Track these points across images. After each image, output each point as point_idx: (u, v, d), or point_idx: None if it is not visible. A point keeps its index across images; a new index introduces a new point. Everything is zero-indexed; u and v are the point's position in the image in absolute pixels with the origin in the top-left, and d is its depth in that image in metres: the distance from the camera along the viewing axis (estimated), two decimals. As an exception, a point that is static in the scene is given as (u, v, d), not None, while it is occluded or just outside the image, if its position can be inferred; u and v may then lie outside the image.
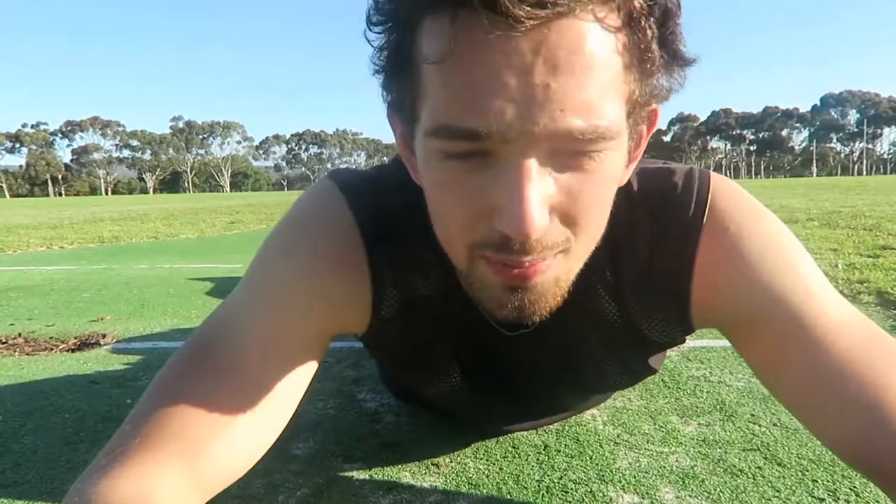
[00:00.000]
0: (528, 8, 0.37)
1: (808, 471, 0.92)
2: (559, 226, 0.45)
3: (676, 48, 0.45)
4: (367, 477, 0.94)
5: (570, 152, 0.43)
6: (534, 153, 0.42)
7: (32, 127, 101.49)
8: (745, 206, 0.61)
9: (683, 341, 0.70)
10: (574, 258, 0.49)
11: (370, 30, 0.46)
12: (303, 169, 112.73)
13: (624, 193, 0.57)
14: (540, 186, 0.42)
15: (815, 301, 0.57)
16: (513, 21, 0.37)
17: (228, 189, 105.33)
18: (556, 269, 0.48)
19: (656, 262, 0.61)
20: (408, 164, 0.54)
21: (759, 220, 0.60)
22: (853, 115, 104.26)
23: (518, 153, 0.42)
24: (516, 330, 0.65)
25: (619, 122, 0.43)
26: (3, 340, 1.86)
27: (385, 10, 0.45)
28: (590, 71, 0.40)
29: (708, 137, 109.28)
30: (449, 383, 0.76)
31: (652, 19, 0.42)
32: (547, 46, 0.39)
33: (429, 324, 0.67)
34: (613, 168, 0.46)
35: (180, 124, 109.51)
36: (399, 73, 0.47)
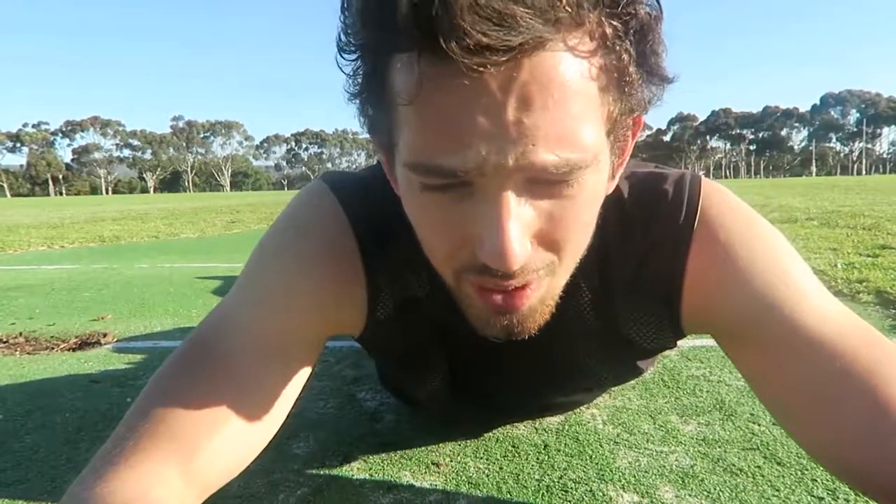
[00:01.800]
0: (496, 46, 0.36)
1: (807, 470, 0.92)
2: (542, 251, 0.45)
3: (655, 64, 0.44)
4: (367, 476, 0.95)
5: (547, 181, 0.42)
6: (511, 184, 0.41)
7: (33, 126, 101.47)
8: (736, 212, 0.60)
9: (675, 346, 0.70)
10: (559, 276, 0.49)
11: (342, 56, 0.45)
12: (303, 168, 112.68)
13: (614, 199, 0.57)
14: (519, 216, 0.42)
15: (809, 307, 0.56)
16: (480, 61, 0.36)
17: (229, 188, 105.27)
18: (541, 291, 0.48)
19: (647, 269, 0.60)
20: (390, 177, 0.53)
21: (750, 226, 0.60)
22: (853, 115, 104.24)
23: (495, 186, 0.41)
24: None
25: (596, 147, 0.42)
26: (4, 340, 1.86)
27: (355, 41, 0.44)
28: (563, 103, 0.39)
29: (707, 137, 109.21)
30: (440, 382, 0.76)
31: (628, 39, 0.41)
32: (518, 82, 0.38)
33: (422, 324, 0.67)
34: (594, 189, 0.46)
35: (181, 124, 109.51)
36: (373, 103, 0.46)
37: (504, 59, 0.36)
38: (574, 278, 0.52)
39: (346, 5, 0.44)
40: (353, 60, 0.45)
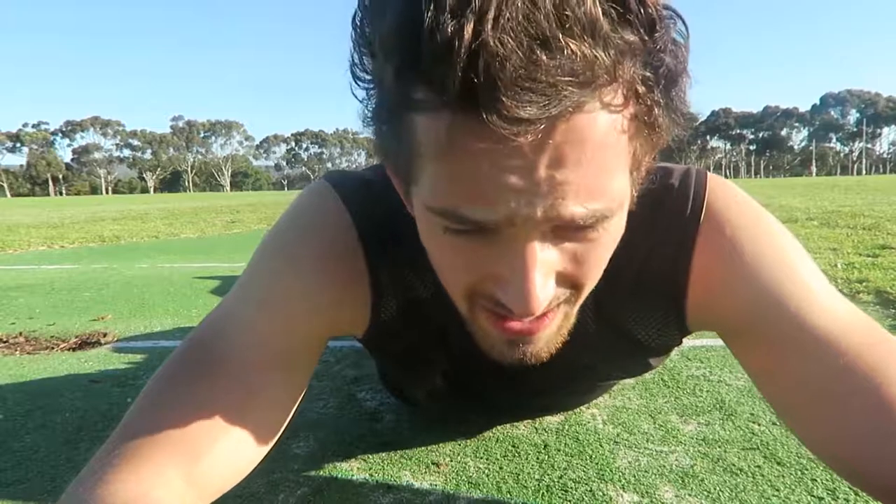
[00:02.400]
0: (533, 111, 0.34)
1: (807, 470, 0.92)
2: (562, 287, 0.46)
3: (682, 108, 0.43)
4: (367, 476, 0.95)
5: (573, 229, 0.42)
6: (537, 233, 0.41)
7: (33, 126, 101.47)
8: (742, 207, 0.60)
9: (680, 343, 0.69)
10: (574, 306, 0.50)
11: (356, 83, 0.43)
12: (303, 168, 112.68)
13: None
14: (544, 261, 0.42)
15: (815, 304, 0.55)
16: (519, 130, 0.35)
17: (229, 188, 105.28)
18: (558, 320, 0.49)
19: (651, 264, 0.60)
20: (399, 190, 0.51)
21: (756, 221, 0.59)
22: (853, 115, 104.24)
23: (522, 235, 0.41)
24: None
25: (622, 194, 0.42)
26: (4, 339, 1.86)
27: (374, 74, 0.41)
28: (594, 159, 0.39)
29: (707, 137, 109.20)
30: (440, 383, 0.76)
31: (658, 88, 0.40)
32: (552, 144, 0.37)
33: (426, 325, 0.67)
34: (617, 229, 0.46)
35: (181, 123, 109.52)
36: (391, 140, 0.43)
37: (542, 126, 0.36)
38: None
39: (361, 25, 0.41)
40: (370, 89, 0.43)
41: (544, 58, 0.34)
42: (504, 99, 0.34)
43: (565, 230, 0.42)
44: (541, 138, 0.37)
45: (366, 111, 0.44)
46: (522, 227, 0.40)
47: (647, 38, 0.37)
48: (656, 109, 0.41)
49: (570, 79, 0.35)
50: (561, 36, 0.34)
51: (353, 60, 0.42)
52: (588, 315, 0.64)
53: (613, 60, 0.36)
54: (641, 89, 0.39)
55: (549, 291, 0.43)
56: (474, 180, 0.39)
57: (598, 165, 0.39)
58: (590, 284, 0.47)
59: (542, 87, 0.34)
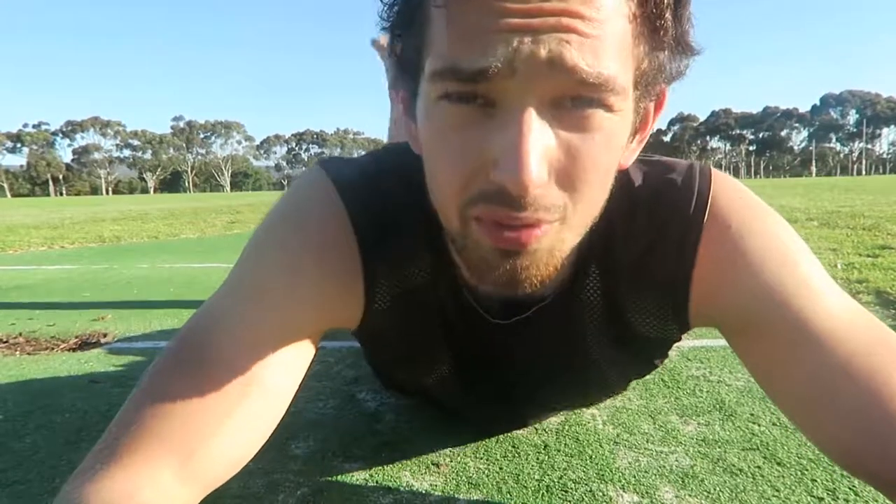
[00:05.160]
0: None
1: (807, 470, 0.92)
2: (556, 188, 0.44)
3: (686, 28, 0.45)
4: (367, 477, 0.95)
5: (572, 102, 0.42)
6: (536, 97, 0.41)
7: (33, 127, 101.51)
8: (747, 203, 0.60)
9: (679, 339, 0.69)
10: (570, 228, 0.48)
11: None
12: (303, 169, 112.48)
13: (623, 187, 0.56)
14: (540, 137, 0.42)
15: (819, 301, 0.55)
16: None
17: (229, 189, 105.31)
18: (551, 238, 0.47)
19: (654, 257, 0.60)
20: (408, 133, 0.53)
21: (761, 218, 0.59)
22: (852, 116, 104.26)
23: (520, 97, 0.41)
24: (508, 318, 0.65)
25: (624, 81, 0.43)
26: (4, 340, 1.86)
27: None
28: (599, 24, 0.41)
29: (707, 137, 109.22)
30: (440, 375, 0.75)
31: None
32: None
33: (422, 314, 0.66)
34: (616, 134, 0.46)
35: (181, 124, 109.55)
36: (407, 25, 0.47)
37: None
38: (583, 258, 0.52)
39: None
40: None
41: None
42: None
43: (563, 110, 0.42)
44: None
45: (386, 13, 0.48)
46: (522, 79, 0.41)
47: None
48: (663, 15, 0.43)
49: None
50: None
51: None
52: (594, 294, 0.63)
53: None
54: None
55: (542, 173, 0.42)
56: (478, 25, 0.41)
57: (602, 30, 0.41)
58: (583, 196, 0.46)
59: None
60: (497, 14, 0.40)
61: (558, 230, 0.47)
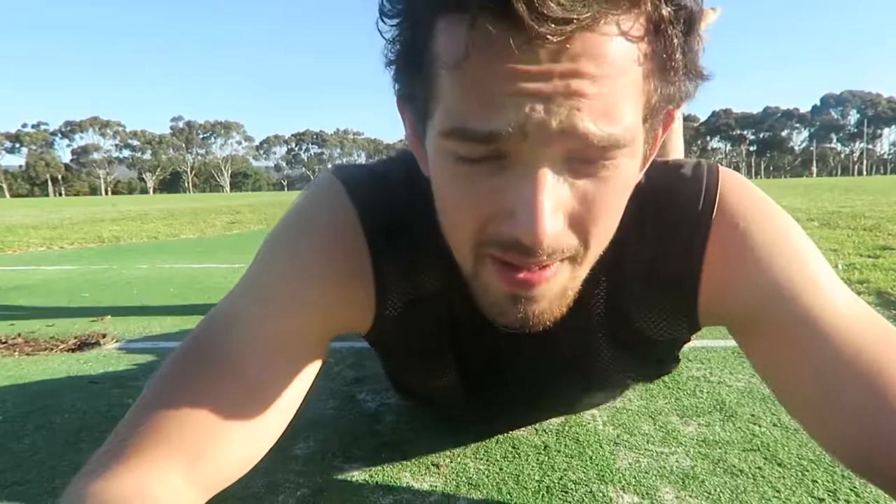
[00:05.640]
0: (552, 25, 0.36)
1: (808, 471, 0.92)
2: (569, 233, 0.45)
3: (696, 57, 0.45)
4: (367, 477, 0.94)
5: (585, 158, 0.42)
6: (549, 157, 0.41)
7: (32, 127, 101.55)
8: (754, 201, 0.60)
9: (689, 339, 0.69)
10: (581, 267, 0.49)
11: (382, 21, 0.45)
12: (303, 169, 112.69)
13: (632, 192, 0.57)
14: (554, 192, 0.42)
15: (826, 298, 0.55)
16: (546, 30, 0.37)
17: (228, 189, 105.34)
18: (561, 278, 0.48)
19: (664, 258, 0.60)
20: (417, 155, 0.53)
21: (769, 216, 0.59)
22: (853, 116, 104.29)
23: (534, 156, 0.41)
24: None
25: (634, 129, 0.43)
26: (3, 340, 1.86)
27: (398, 4, 0.44)
28: (610, 79, 0.40)
29: (708, 138, 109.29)
30: (451, 380, 0.76)
31: (678, 27, 0.42)
32: (568, 55, 0.38)
33: (432, 321, 0.66)
34: (628, 174, 0.46)
35: (180, 124, 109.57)
36: (411, 69, 0.46)
37: (569, 29, 0.37)
38: (593, 271, 0.52)
39: None
40: (395, 25, 0.45)
41: None
42: None
43: (577, 163, 0.42)
44: (559, 46, 0.38)
45: (390, 52, 0.47)
46: (534, 143, 0.41)
47: None
48: (673, 47, 0.42)
49: None
50: None
51: (381, 4, 0.45)
52: (599, 300, 0.63)
53: None
54: (664, 22, 0.41)
55: (557, 225, 0.43)
56: (488, 88, 0.40)
57: (613, 87, 0.40)
58: (596, 238, 0.47)
59: None
60: (507, 77, 0.39)
61: (569, 269, 0.48)
